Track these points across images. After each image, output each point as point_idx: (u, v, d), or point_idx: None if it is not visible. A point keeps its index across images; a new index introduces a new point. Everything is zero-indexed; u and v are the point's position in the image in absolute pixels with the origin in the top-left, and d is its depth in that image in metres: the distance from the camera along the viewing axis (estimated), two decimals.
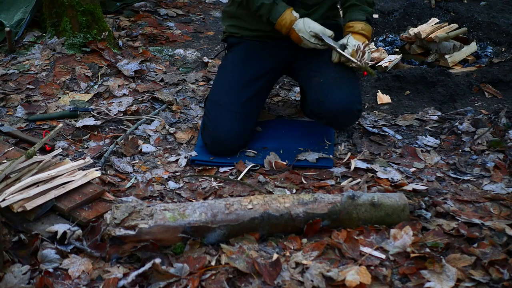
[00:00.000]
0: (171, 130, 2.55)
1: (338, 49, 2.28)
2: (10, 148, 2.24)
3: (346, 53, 2.28)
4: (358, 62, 2.27)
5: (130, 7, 4.08)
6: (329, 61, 2.34)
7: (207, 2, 4.52)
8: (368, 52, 2.28)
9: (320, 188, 2.14)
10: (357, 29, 2.32)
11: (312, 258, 1.70)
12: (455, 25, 3.67)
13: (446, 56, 3.43)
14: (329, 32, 2.28)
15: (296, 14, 2.27)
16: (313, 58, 2.43)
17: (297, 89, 2.97)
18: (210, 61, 3.33)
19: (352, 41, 2.28)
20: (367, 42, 2.30)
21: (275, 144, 2.44)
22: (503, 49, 3.72)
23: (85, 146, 2.42)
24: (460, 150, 2.42)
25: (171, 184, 2.17)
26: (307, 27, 2.25)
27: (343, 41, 2.30)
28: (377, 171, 2.23)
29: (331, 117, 2.30)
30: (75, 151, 2.38)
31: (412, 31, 3.64)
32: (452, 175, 2.24)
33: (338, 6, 2.54)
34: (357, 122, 2.57)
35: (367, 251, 1.73)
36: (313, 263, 1.67)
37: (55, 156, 2.10)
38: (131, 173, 2.24)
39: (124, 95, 2.85)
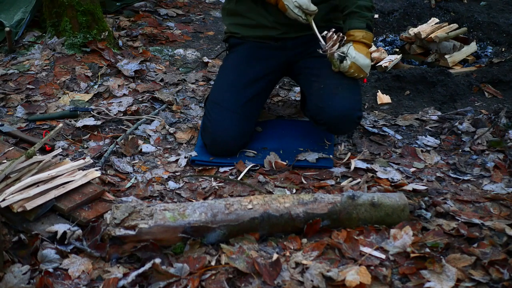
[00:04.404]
0: (171, 130, 2.55)
1: (316, 29, 2.25)
2: (10, 148, 2.24)
3: (343, 65, 2.27)
4: (326, 48, 2.24)
5: (130, 7, 4.08)
6: (329, 66, 2.33)
7: (207, 2, 4.52)
8: (340, 44, 2.25)
9: (320, 188, 2.14)
10: (358, 38, 2.29)
11: (312, 258, 1.70)
12: (455, 25, 3.67)
13: (446, 56, 3.43)
14: (313, 7, 2.25)
15: None
16: (314, 61, 2.43)
17: (297, 89, 2.97)
18: (210, 61, 3.33)
19: (352, 53, 2.26)
20: (341, 34, 2.27)
21: (275, 144, 2.44)
22: (503, 49, 3.72)
23: (85, 146, 2.42)
24: (460, 150, 2.42)
25: (171, 184, 2.17)
26: None
27: (344, 49, 2.28)
28: (377, 171, 2.23)
29: (331, 124, 2.30)
30: (75, 151, 2.38)
31: (412, 31, 3.64)
32: (452, 175, 2.24)
33: None
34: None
35: (367, 251, 1.73)
36: (313, 263, 1.67)
37: (55, 156, 2.10)
38: (131, 173, 2.25)
39: (124, 95, 2.85)
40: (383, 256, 1.72)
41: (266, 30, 2.45)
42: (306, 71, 2.46)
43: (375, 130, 2.55)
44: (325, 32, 2.26)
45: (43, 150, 2.30)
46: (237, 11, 2.50)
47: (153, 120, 2.63)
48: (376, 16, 4.16)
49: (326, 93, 2.29)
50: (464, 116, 2.68)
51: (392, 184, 2.14)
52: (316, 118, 2.34)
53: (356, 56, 2.25)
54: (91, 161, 2.14)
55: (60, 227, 1.78)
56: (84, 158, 2.12)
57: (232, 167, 2.29)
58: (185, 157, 2.35)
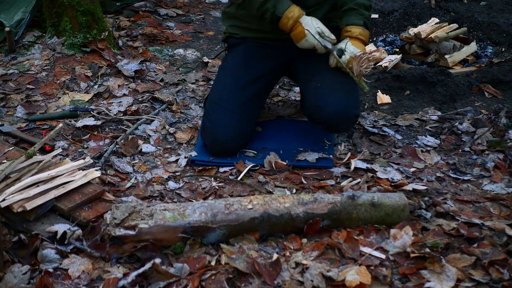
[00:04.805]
0: (171, 130, 2.55)
1: (336, 57, 2.27)
2: (10, 148, 2.24)
3: (343, 60, 2.27)
4: (355, 77, 2.27)
5: (130, 7, 4.08)
6: (327, 65, 2.33)
7: (207, 2, 4.52)
8: (366, 63, 2.26)
9: (320, 188, 2.14)
10: (355, 34, 2.30)
11: (312, 258, 1.70)
12: (455, 25, 3.67)
13: (446, 56, 3.43)
14: (333, 37, 2.28)
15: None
16: (311, 61, 2.43)
17: (297, 89, 2.97)
18: (210, 61, 3.33)
19: (350, 48, 2.27)
20: (366, 53, 2.28)
21: (275, 144, 2.44)
22: (503, 49, 3.72)
23: (85, 146, 2.42)
24: (460, 150, 2.42)
25: (171, 184, 2.17)
26: (314, 23, 2.24)
27: (341, 45, 2.29)
28: (377, 171, 2.23)
29: (328, 122, 2.30)
30: (75, 151, 2.38)
31: (412, 31, 3.64)
32: (452, 175, 2.24)
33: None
34: (357, 122, 2.57)
35: (367, 251, 1.73)
36: (313, 263, 1.67)
37: (55, 156, 2.10)
38: (131, 173, 2.24)
39: (124, 95, 2.85)
40: (383, 256, 1.72)
41: (265, 33, 2.46)
42: (303, 70, 2.46)
43: (375, 130, 2.55)
44: (359, 52, 2.26)
45: (43, 150, 2.30)
46: (237, 15, 2.50)
47: (153, 120, 2.63)
48: (376, 16, 4.16)
49: (323, 91, 2.29)
50: (464, 116, 2.68)
51: (392, 184, 2.14)
52: (314, 117, 2.34)
53: (354, 51, 2.27)
54: (91, 161, 2.14)
55: (60, 227, 1.78)
56: (84, 158, 2.12)
57: (232, 167, 2.29)
58: (185, 157, 2.35)
